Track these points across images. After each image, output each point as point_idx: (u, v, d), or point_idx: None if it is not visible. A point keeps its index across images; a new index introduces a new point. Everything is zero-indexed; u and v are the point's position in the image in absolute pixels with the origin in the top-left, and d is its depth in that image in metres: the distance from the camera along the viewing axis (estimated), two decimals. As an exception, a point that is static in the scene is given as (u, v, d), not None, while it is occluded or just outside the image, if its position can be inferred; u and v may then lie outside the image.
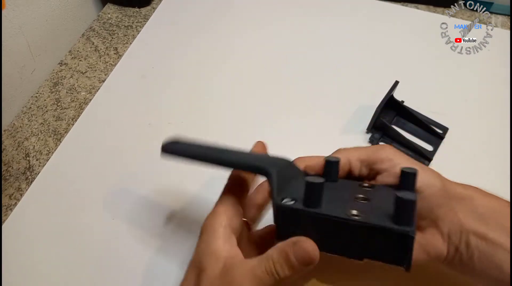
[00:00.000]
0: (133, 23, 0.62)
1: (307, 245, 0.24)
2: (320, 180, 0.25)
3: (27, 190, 0.44)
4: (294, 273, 0.24)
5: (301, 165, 0.32)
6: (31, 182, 0.45)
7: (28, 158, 0.47)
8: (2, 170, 0.46)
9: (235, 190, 0.30)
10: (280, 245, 0.25)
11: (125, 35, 0.60)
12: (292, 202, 0.25)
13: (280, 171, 0.27)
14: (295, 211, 0.25)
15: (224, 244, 0.26)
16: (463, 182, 0.43)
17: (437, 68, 0.53)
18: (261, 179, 0.36)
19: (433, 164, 0.44)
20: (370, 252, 0.24)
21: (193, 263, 0.28)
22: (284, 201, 0.26)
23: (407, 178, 0.27)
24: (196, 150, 0.32)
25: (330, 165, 0.30)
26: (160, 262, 0.38)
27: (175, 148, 0.32)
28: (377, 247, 0.24)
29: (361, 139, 0.46)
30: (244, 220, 0.33)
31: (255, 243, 0.33)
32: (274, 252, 0.25)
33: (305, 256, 0.24)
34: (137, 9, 0.64)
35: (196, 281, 0.26)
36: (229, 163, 0.30)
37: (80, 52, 0.58)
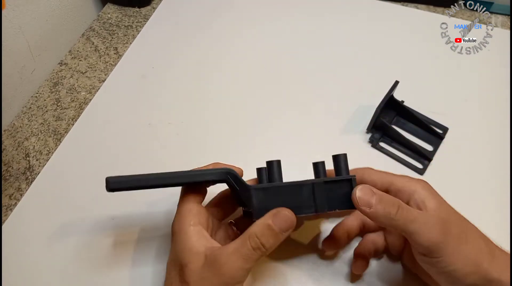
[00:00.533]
0: (133, 23, 0.62)
1: (286, 212, 0.28)
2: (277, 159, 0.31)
3: (27, 190, 0.44)
4: (277, 242, 0.28)
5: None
6: (31, 182, 0.45)
7: (28, 158, 0.47)
8: (2, 170, 0.46)
9: (192, 191, 0.32)
10: (259, 221, 0.28)
11: (125, 35, 0.60)
12: (259, 185, 0.30)
13: None
14: (267, 189, 0.30)
15: (198, 240, 0.29)
16: (463, 182, 0.43)
17: (437, 68, 0.53)
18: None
19: (433, 164, 0.44)
20: (329, 205, 0.30)
21: (172, 262, 0.30)
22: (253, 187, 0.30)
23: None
24: (148, 179, 0.32)
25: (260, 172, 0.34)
26: (160, 261, 0.38)
27: (124, 182, 0.31)
28: (333, 198, 0.30)
29: (361, 139, 0.46)
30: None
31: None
32: (255, 228, 0.28)
33: (287, 221, 0.28)
34: (137, 9, 0.64)
35: (180, 277, 0.28)
36: (188, 179, 0.31)
37: (80, 52, 0.58)
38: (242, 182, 0.30)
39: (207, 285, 0.27)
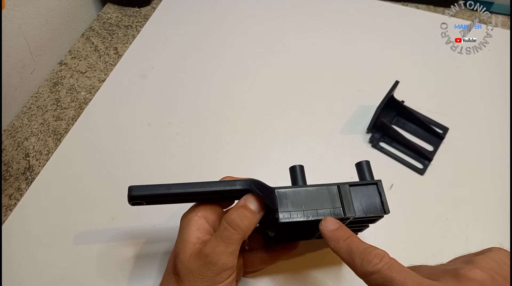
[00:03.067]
0: (133, 23, 0.62)
1: (250, 196, 0.30)
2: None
3: (27, 190, 0.44)
4: (251, 222, 0.29)
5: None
6: (31, 182, 0.45)
7: (28, 158, 0.47)
8: (2, 170, 0.46)
9: None
10: (235, 206, 0.30)
11: (125, 35, 0.60)
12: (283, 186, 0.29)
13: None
14: (291, 191, 0.29)
15: (195, 231, 0.29)
16: (463, 182, 0.43)
17: (437, 68, 0.53)
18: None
19: (433, 164, 0.44)
20: (356, 209, 0.29)
21: (173, 250, 0.31)
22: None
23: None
24: (173, 189, 0.30)
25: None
26: (161, 261, 0.38)
27: (149, 192, 0.29)
28: (360, 203, 0.29)
29: (361, 139, 0.46)
30: None
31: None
32: (232, 212, 0.29)
33: (259, 202, 0.29)
34: (137, 9, 0.64)
35: (173, 269, 0.29)
36: (216, 187, 0.30)
37: (80, 52, 0.58)
38: (265, 186, 0.30)
39: (196, 277, 0.27)
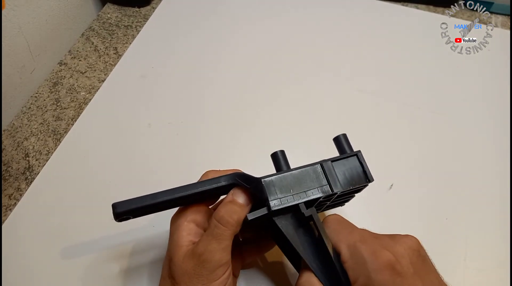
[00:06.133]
0: (132, 23, 0.62)
1: (242, 188, 0.30)
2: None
3: (26, 190, 0.44)
4: (240, 216, 0.29)
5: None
6: (31, 182, 0.45)
7: (27, 158, 0.47)
8: (2, 170, 0.46)
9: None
10: (223, 202, 0.29)
11: (125, 35, 0.60)
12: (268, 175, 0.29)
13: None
14: (277, 177, 0.29)
15: (187, 235, 0.30)
16: (463, 182, 0.43)
17: (437, 68, 0.53)
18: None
19: (429, 164, 0.44)
20: (342, 183, 0.29)
21: (166, 255, 0.31)
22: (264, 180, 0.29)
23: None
24: (158, 198, 0.30)
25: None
26: (160, 262, 0.38)
27: (134, 206, 0.30)
28: (345, 176, 0.30)
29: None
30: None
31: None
32: (220, 208, 0.29)
33: (245, 195, 0.30)
34: (137, 9, 0.64)
35: (168, 272, 0.30)
36: (199, 188, 0.30)
37: (79, 52, 0.58)
38: (251, 178, 0.30)
39: (192, 278, 0.28)
